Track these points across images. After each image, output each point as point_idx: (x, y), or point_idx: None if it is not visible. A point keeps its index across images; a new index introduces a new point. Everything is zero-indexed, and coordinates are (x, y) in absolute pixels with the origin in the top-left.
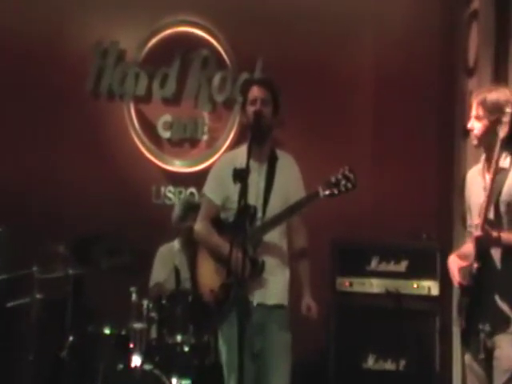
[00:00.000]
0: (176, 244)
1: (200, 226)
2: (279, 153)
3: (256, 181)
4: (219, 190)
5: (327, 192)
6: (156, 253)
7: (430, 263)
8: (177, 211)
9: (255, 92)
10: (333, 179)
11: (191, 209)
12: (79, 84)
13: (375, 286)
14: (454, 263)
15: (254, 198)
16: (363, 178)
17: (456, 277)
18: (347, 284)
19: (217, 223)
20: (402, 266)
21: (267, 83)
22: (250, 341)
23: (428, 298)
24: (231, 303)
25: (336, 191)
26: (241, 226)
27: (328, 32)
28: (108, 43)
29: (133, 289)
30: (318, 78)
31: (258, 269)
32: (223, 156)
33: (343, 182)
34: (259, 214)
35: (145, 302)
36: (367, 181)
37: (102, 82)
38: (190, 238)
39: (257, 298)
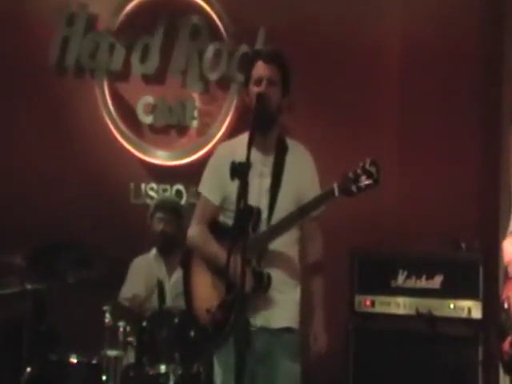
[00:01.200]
0: (152, 252)
1: (195, 230)
2: (290, 142)
3: (260, 176)
4: (218, 188)
5: (344, 190)
6: (130, 265)
7: (470, 279)
8: (158, 199)
9: (260, 69)
10: (351, 174)
11: (161, 208)
12: (40, 57)
13: (403, 306)
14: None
15: (257, 196)
16: (388, 174)
17: None
18: (368, 303)
19: (214, 228)
20: (436, 281)
21: (276, 58)
22: (252, 372)
23: (468, 322)
24: (231, 326)
25: (355, 189)
26: (242, 231)
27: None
28: (75, 7)
29: (106, 308)
30: (335, 53)
31: (262, 284)
32: (221, 146)
33: (363, 178)
34: (264, 217)
35: (121, 324)
36: (392, 178)
37: (68, 54)
38: (164, 243)
39: (260, 319)
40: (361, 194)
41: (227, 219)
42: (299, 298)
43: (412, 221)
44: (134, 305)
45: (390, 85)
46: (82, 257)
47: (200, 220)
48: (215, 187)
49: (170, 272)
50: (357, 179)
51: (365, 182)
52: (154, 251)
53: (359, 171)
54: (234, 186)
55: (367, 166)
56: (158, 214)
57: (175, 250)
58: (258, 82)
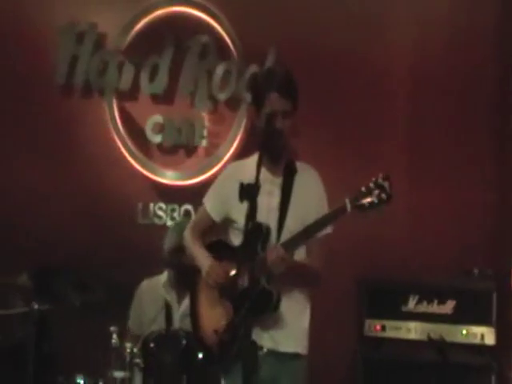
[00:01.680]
0: (163, 278)
1: (189, 231)
2: (299, 165)
3: (268, 195)
4: (220, 207)
5: (356, 205)
6: (136, 289)
7: (483, 304)
8: (170, 239)
9: (276, 103)
10: (363, 189)
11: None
12: (48, 76)
13: (414, 331)
14: None
15: (265, 215)
16: (397, 195)
17: None
18: (378, 328)
19: (221, 247)
20: (448, 307)
21: (291, 90)
22: None
23: (481, 349)
24: (238, 348)
25: (367, 203)
26: (251, 249)
27: (355, 15)
28: (84, 25)
29: (113, 329)
30: (343, 72)
31: (272, 304)
32: (231, 165)
33: (376, 192)
34: (273, 236)
35: (128, 346)
36: (402, 200)
37: (76, 73)
38: (183, 272)
39: (268, 341)
40: (373, 210)
41: (234, 237)
42: (308, 322)
43: (423, 245)
44: (140, 330)
45: (398, 107)
46: (87, 279)
47: (195, 226)
48: (217, 205)
49: (181, 299)
50: (369, 194)
51: (378, 196)
52: (165, 276)
53: (372, 185)
54: (236, 207)
55: (380, 181)
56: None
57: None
58: (273, 116)
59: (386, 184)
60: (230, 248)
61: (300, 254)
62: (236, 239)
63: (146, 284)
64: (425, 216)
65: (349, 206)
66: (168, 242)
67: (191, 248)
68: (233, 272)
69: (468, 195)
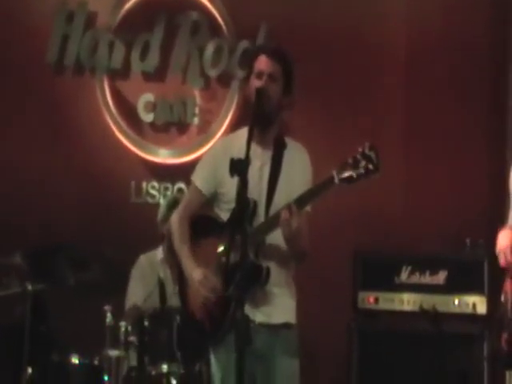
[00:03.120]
0: (159, 253)
1: (177, 217)
2: (288, 140)
3: (258, 169)
4: (210, 180)
5: (343, 176)
6: (134, 264)
7: (475, 274)
8: (160, 210)
9: (262, 63)
10: (350, 160)
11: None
12: (38, 56)
13: (407, 302)
14: (506, 238)
15: (257, 191)
16: (393, 170)
17: (508, 255)
18: (372, 300)
19: (209, 223)
20: (440, 277)
21: (279, 54)
22: (250, 370)
23: (473, 318)
24: (230, 322)
25: (354, 174)
26: (238, 224)
27: None
28: (74, 4)
29: (107, 308)
30: (337, 49)
31: (262, 278)
32: (219, 140)
33: (363, 164)
34: (261, 211)
35: (122, 324)
36: (398, 174)
37: (67, 52)
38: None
39: (259, 315)
40: (361, 181)
41: (221, 212)
42: (295, 293)
43: (416, 217)
44: (138, 312)
45: (395, 79)
46: (82, 258)
47: (186, 208)
48: (207, 178)
49: (175, 275)
50: (356, 165)
51: (364, 167)
52: (160, 252)
53: (358, 156)
54: (227, 181)
55: (366, 151)
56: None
57: None
58: (259, 76)
59: (373, 154)
60: (216, 223)
61: (277, 237)
62: (222, 214)
63: (143, 258)
64: (418, 188)
65: (336, 178)
66: (159, 214)
67: (177, 245)
68: (221, 248)
69: (461, 166)
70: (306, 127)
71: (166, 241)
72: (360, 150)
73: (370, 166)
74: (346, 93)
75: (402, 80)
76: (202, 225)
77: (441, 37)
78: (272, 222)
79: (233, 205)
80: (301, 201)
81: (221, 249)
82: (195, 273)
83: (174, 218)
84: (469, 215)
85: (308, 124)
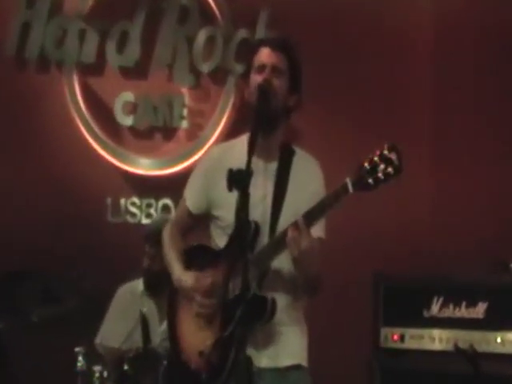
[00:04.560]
0: (140, 283)
1: (168, 230)
2: (296, 149)
3: (260, 186)
4: (201, 199)
5: (360, 184)
6: (115, 295)
7: None
8: (146, 229)
9: (264, 55)
10: (366, 164)
11: (149, 240)
12: None
13: (438, 340)
14: None
15: (259, 212)
16: (418, 180)
17: None
18: (397, 337)
19: (201, 252)
20: (479, 310)
21: (285, 45)
22: None
23: None
24: (230, 369)
25: (372, 181)
26: (238, 250)
27: None
28: None
29: (79, 349)
30: (352, 38)
31: (267, 312)
32: (215, 148)
33: (382, 167)
34: (265, 235)
35: (96, 369)
36: (424, 185)
37: (29, 43)
38: (159, 276)
39: (264, 358)
40: (380, 187)
41: (217, 237)
42: (306, 330)
43: (449, 237)
44: (115, 350)
45: (421, 74)
46: (48, 289)
47: (175, 223)
48: (198, 197)
49: (162, 310)
50: (374, 169)
51: (384, 171)
52: (141, 283)
53: (376, 159)
54: (224, 200)
55: (385, 153)
56: (146, 247)
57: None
58: (261, 69)
59: (394, 156)
60: (212, 252)
61: (284, 264)
62: (221, 242)
63: (124, 290)
64: (451, 201)
65: (350, 186)
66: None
67: (167, 256)
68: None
69: (502, 175)
70: (313, 134)
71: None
72: (378, 151)
73: (390, 170)
74: (362, 92)
75: (428, 76)
76: (196, 256)
77: (473, 31)
78: (277, 244)
79: (231, 230)
80: (310, 215)
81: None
82: (185, 276)
83: (165, 231)
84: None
85: (315, 131)
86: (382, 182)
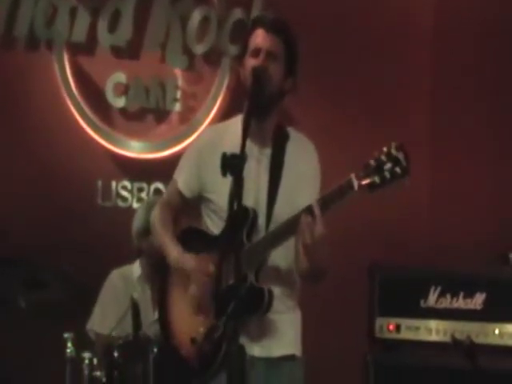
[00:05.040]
0: (136, 269)
1: (157, 211)
2: (291, 131)
3: (255, 172)
4: (193, 181)
5: (365, 182)
6: (106, 280)
7: None
8: (138, 219)
9: (260, 38)
10: (372, 162)
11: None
12: None
13: (435, 331)
14: None
15: (253, 198)
16: (417, 172)
17: None
18: (392, 328)
19: (196, 236)
20: (477, 301)
21: (281, 27)
22: None
23: None
24: (222, 358)
25: (378, 180)
26: (235, 238)
27: None
28: None
29: (68, 336)
30: (351, 24)
31: (264, 303)
32: (208, 130)
33: (388, 166)
34: (262, 221)
35: (86, 356)
36: (423, 176)
37: (17, 21)
38: (158, 259)
39: (258, 348)
40: (386, 187)
41: (210, 221)
42: (301, 319)
43: (447, 228)
44: (105, 336)
45: (420, 73)
46: (35, 276)
47: (166, 205)
48: (190, 179)
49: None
50: (380, 168)
51: (390, 171)
52: (137, 268)
53: (383, 158)
54: (217, 182)
55: (393, 151)
56: (140, 244)
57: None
58: (255, 53)
59: (401, 155)
60: (207, 237)
61: (279, 253)
62: (213, 225)
63: (116, 274)
64: (449, 193)
65: (355, 184)
66: (135, 223)
67: (161, 236)
68: (213, 268)
69: (499, 168)
70: (309, 123)
71: (148, 256)
72: (385, 149)
73: (398, 170)
74: (361, 81)
75: (427, 74)
76: (190, 240)
77: (476, 19)
78: (276, 236)
79: (224, 214)
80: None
81: (213, 269)
82: (185, 257)
83: (155, 211)
84: (511, 225)
85: (312, 120)
86: (389, 183)
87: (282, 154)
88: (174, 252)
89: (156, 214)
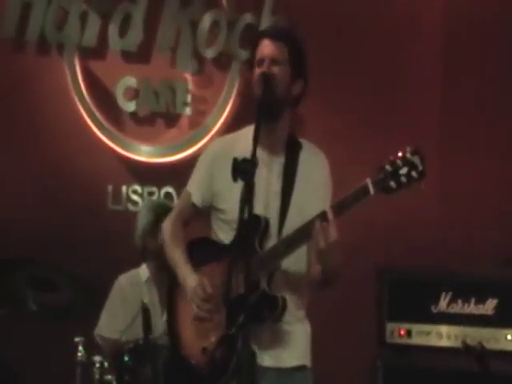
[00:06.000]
0: (143, 272)
1: (169, 224)
2: (303, 142)
3: (266, 180)
4: (206, 192)
5: (380, 186)
6: (113, 285)
7: None
8: (141, 220)
9: (264, 48)
10: (388, 166)
11: (164, 215)
12: None
13: (446, 336)
14: None
15: (263, 206)
16: (427, 173)
17: None
18: (403, 333)
19: (207, 246)
20: (489, 306)
21: (284, 34)
22: None
23: None
24: (234, 368)
25: (394, 184)
26: (246, 246)
27: None
28: None
29: (79, 339)
30: (360, 28)
31: (277, 312)
32: (216, 141)
33: (404, 171)
34: (274, 230)
35: (96, 359)
36: (432, 180)
37: (29, 25)
38: (165, 261)
39: (269, 358)
40: (402, 191)
41: (220, 231)
42: (310, 331)
43: (457, 232)
44: (113, 341)
45: (429, 73)
46: (45, 277)
47: (177, 217)
48: (203, 190)
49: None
50: (396, 172)
51: (407, 175)
52: (144, 271)
53: (399, 162)
54: (229, 193)
55: (408, 156)
56: (146, 242)
57: None
58: (261, 62)
59: (417, 159)
60: (218, 246)
61: (290, 261)
62: (224, 235)
63: (123, 279)
64: (459, 194)
65: (371, 188)
66: (138, 224)
67: (169, 250)
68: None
69: (509, 171)
70: (317, 129)
71: (154, 257)
72: (400, 154)
73: (414, 174)
74: (370, 81)
75: (437, 74)
76: (201, 250)
77: (485, 23)
78: (288, 244)
79: (235, 224)
80: (325, 217)
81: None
82: (190, 279)
83: (166, 224)
84: None
85: (320, 125)
86: (405, 186)
87: (295, 162)
88: (183, 274)
89: (167, 228)
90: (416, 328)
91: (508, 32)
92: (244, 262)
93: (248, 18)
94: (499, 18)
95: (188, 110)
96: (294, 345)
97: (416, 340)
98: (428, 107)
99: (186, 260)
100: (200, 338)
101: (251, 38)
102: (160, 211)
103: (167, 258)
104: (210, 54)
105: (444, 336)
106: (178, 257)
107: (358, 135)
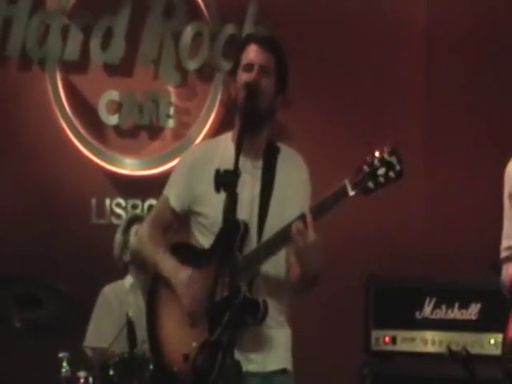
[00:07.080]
0: (127, 281)
1: (146, 228)
2: (281, 146)
3: (249, 186)
4: (185, 196)
5: (358, 187)
6: (98, 296)
7: None
8: (117, 238)
9: (253, 53)
10: (366, 167)
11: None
12: None
13: (431, 342)
14: None
15: (246, 212)
16: (411, 183)
17: None
18: (388, 340)
19: (186, 251)
20: (472, 311)
21: (273, 44)
22: None
23: None
24: (218, 374)
25: (372, 185)
26: (226, 251)
27: None
28: None
29: (63, 355)
30: (340, 32)
31: (259, 315)
32: (197, 146)
33: (382, 171)
34: (253, 233)
35: (81, 375)
36: (417, 188)
37: (10, 40)
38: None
39: (252, 362)
40: (380, 191)
41: (201, 236)
42: (291, 335)
43: (442, 238)
44: (103, 350)
45: (411, 78)
46: (29, 294)
47: (154, 223)
48: (181, 194)
49: None
50: (374, 172)
51: (384, 175)
52: (129, 279)
53: (376, 162)
54: (208, 197)
55: (386, 156)
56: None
57: None
58: (248, 68)
59: (394, 159)
60: (197, 251)
61: (271, 265)
62: (204, 239)
63: (108, 289)
64: (444, 203)
65: (350, 189)
66: (116, 240)
67: (152, 253)
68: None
69: (495, 179)
70: (302, 133)
71: (134, 259)
72: (377, 154)
73: (391, 174)
74: (354, 91)
75: (422, 74)
76: (179, 255)
77: (467, 28)
78: (269, 247)
79: (216, 228)
80: (315, 213)
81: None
82: (182, 273)
83: (143, 228)
84: None
85: (304, 130)
86: (382, 186)
87: (273, 166)
88: (169, 266)
89: (144, 232)
90: (401, 335)
91: (491, 37)
92: (227, 267)
93: (230, 29)
94: (482, 22)
95: (171, 122)
96: (275, 349)
97: (401, 347)
98: (413, 110)
99: (170, 255)
100: (182, 344)
101: (234, 48)
102: (130, 220)
103: (146, 258)
104: (192, 65)
105: (429, 342)
106: (161, 253)
107: (342, 138)
